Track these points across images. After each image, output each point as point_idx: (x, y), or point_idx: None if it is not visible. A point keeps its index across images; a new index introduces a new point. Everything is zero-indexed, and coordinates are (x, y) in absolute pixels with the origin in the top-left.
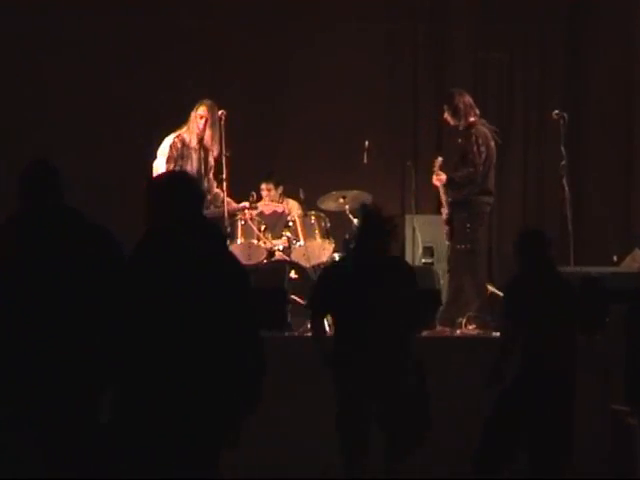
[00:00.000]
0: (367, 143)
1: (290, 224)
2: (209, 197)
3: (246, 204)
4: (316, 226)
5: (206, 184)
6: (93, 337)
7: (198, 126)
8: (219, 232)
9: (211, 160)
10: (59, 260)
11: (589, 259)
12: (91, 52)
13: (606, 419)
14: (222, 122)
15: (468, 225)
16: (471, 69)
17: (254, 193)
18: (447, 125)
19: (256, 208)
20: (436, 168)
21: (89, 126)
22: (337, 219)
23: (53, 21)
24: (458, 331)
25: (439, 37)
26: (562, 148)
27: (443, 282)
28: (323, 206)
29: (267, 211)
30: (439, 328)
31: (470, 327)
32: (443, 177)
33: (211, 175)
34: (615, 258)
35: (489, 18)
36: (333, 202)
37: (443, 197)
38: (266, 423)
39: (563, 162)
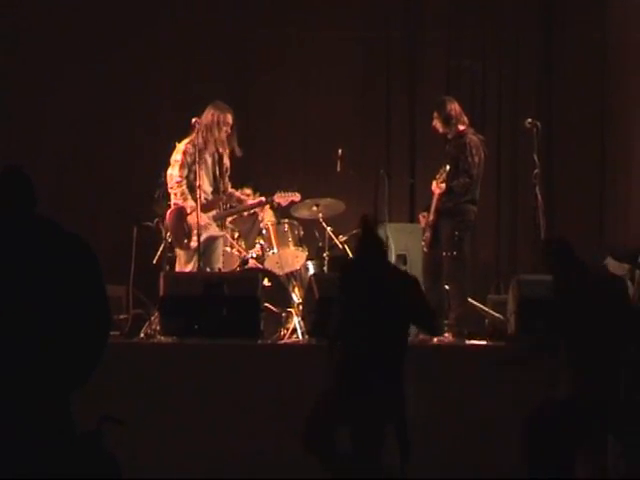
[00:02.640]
0: (340, 151)
1: (263, 232)
2: (224, 198)
3: (262, 198)
4: (289, 234)
5: (222, 185)
6: (63, 345)
7: (226, 133)
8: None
9: (226, 161)
10: (31, 268)
11: None
12: (69, 60)
13: None
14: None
15: (456, 233)
16: (444, 77)
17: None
18: (435, 132)
19: (272, 201)
20: (442, 176)
21: (62, 132)
22: (310, 227)
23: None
24: (435, 339)
25: (412, 45)
26: (535, 156)
27: None
28: (296, 214)
29: (283, 202)
30: (421, 336)
31: (446, 335)
32: (443, 185)
33: (228, 176)
34: None
35: (462, 26)
36: (306, 210)
37: (434, 204)
38: (238, 429)
39: (536, 171)
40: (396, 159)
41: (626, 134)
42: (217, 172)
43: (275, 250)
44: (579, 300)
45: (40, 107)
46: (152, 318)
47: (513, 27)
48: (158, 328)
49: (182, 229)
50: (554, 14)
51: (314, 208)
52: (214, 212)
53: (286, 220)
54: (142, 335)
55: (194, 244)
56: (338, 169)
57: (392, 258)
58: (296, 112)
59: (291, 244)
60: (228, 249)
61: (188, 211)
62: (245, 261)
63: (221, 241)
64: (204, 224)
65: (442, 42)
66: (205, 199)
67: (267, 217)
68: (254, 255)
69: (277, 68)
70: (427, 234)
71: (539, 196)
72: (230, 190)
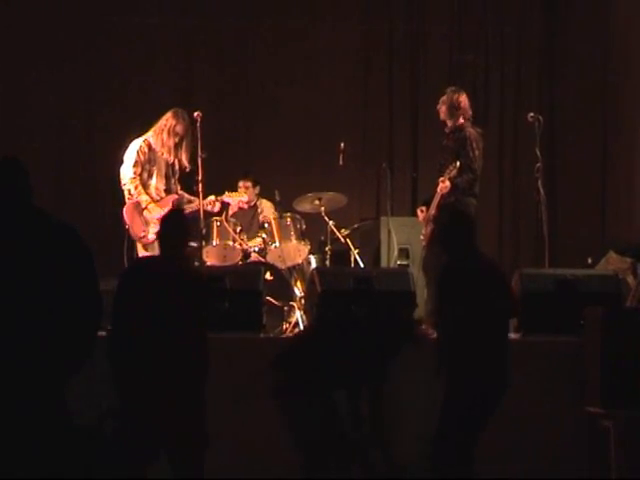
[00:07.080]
0: (342, 145)
1: (266, 225)
2: (174, 198)
3: (212, 198)
4: (292, 228)
5: (172, 186)
6: (54, 334)
7: (172, 143)
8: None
9: (176, 163)
10: (25, 258)
11: (564, 262)
12: (59, 51)
13: (581, 421)
14: (198, 123)
15: None
16: (447, 71)
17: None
18: (443, 125)
19: (222, 201)
20: (452, 172)
21: (56, 127)
22: (313, 221)
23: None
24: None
25: (415, 39)
26: (537, 150)
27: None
28: (299, 208)
29: (232, 203)
30: (424, 329)
31: None
32: (448, 184)
33: (177, 178)
34: (590, 261)
35: (465, 20)
36: (309, 204)
37: (437, 200)
38: (242, 422)
39: (538, 165)
40: (398, 153)
41: (629, 127)
42: (170, 173)
43: (277, 244)
44: (459, 277)
45: (36, 102)
46: None
47: (516, 21)
48: None
49: (139, 223)
50: (557, 8)
51: (316, 202)
52: (168, 208)
53: (288, 214)
54: None
55: (151, 237)
56: (340, 163)
57: (394, 252)
58: (298, 105)
59: (293, 238)
60: (230, 243)
61: (143, 205)
62: (247, 255)
63: None
64: (160, 218)
65: (445, 36)
66: (158, 195)
67: (269, 211)
68: (256, 249)
69: (279, 61)
70: (427, 228)
71: (541, 190)
72: (180, 192)
